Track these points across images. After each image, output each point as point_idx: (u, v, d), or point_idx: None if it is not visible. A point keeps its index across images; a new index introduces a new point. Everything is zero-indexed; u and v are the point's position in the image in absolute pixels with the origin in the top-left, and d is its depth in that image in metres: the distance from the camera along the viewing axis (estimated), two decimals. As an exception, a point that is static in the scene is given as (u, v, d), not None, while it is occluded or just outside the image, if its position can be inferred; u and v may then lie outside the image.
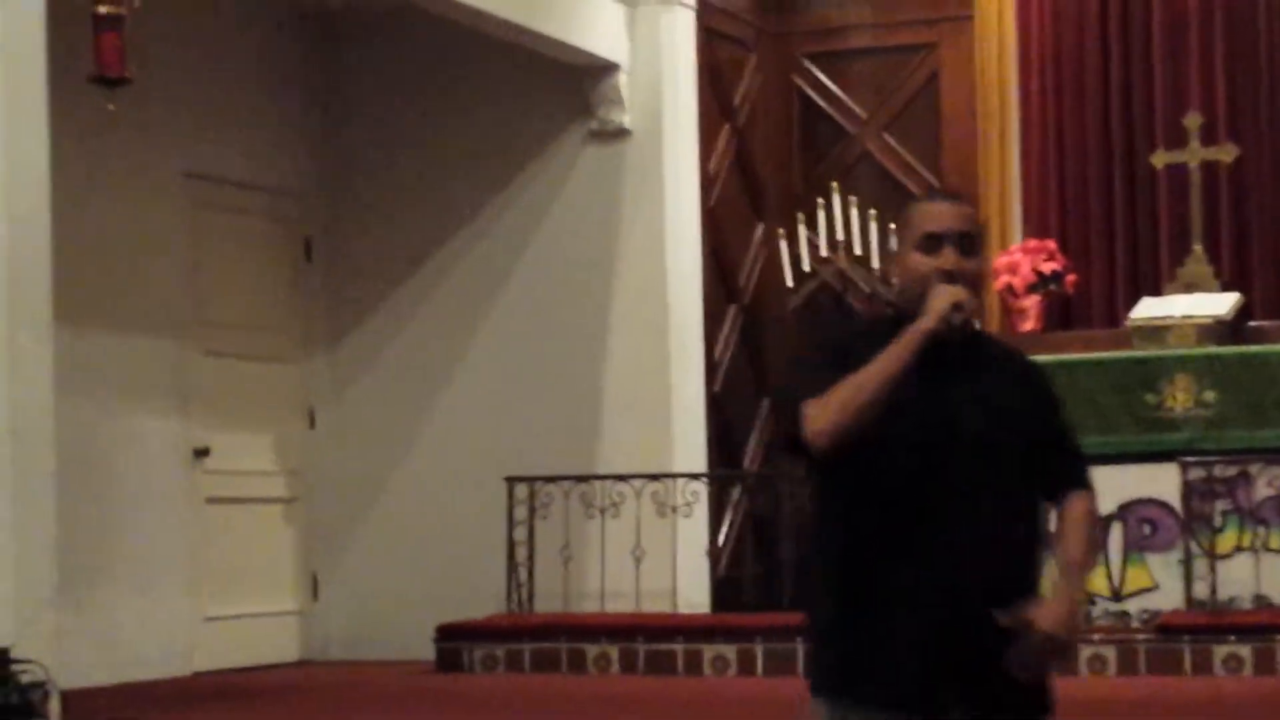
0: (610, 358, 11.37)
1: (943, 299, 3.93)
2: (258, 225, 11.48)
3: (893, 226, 11.67)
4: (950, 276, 3.96)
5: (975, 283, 4.03)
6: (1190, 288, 11.43)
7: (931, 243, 4.01)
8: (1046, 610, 3.89)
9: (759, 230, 12.41)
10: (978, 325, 4.15)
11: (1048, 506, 4.08)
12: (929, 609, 3.93)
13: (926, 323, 3.93)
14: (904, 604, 3.94)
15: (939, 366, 3.98)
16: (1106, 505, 10.30)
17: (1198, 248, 11.52)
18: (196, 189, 10.94)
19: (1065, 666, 3.91)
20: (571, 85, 11.51)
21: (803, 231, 11.95)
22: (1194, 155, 11.62)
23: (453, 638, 10.45)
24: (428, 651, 10.54)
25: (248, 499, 11.17)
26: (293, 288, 11.70)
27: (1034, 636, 3.85)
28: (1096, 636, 9.72)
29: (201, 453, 10.78)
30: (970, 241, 4.03)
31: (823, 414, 3.94)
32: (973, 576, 3.93)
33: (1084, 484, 4.11)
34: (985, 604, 3.89)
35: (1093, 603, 10.28)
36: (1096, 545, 4.12)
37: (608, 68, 11.39)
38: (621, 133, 11.49)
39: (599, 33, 11.24)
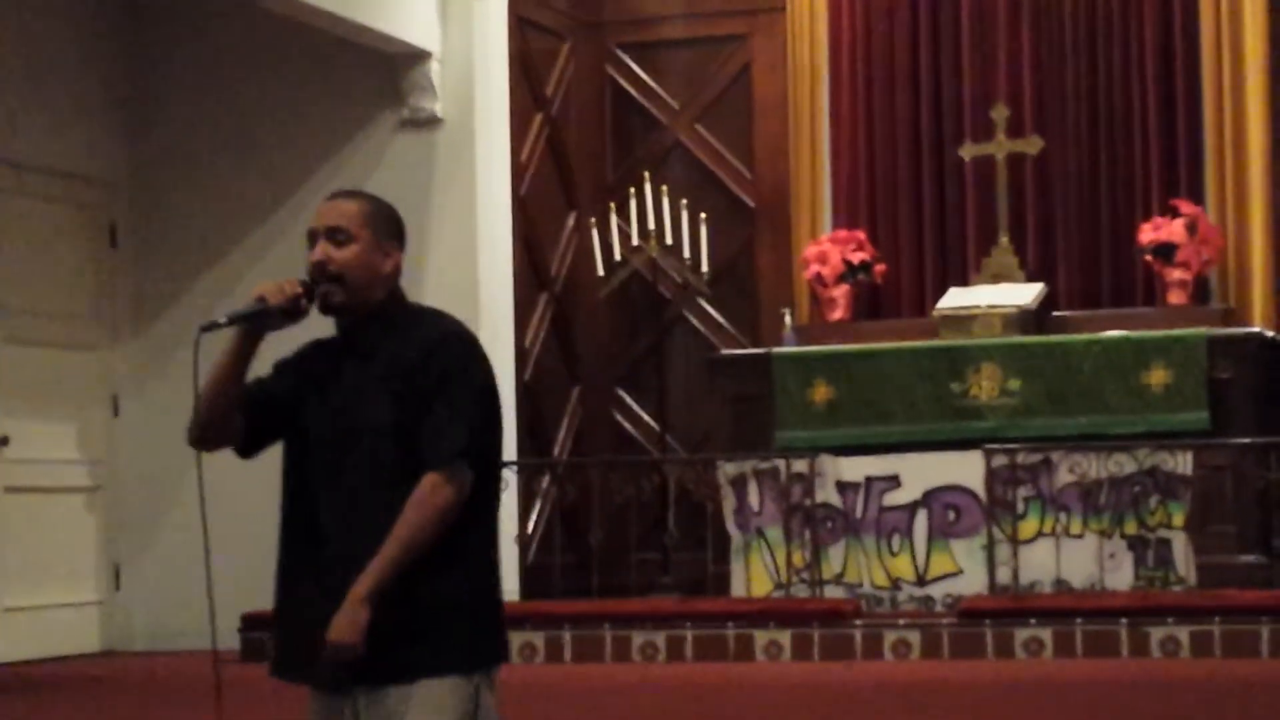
0: (420, 346, 11.28)
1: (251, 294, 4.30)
2: (62, 211, 11.29)
3: (703, 216, 11.74)
4: (321, 266, 4.25)
5: (352, 268, 4.26)
6: (997, 278, 11.57)
7: (310, 238, 4.31)
8: (336, 618, 4.11)
9: (571, 219, 12.41)
10: (394, 309, 4.33)
11: None
12: (307, 586, 4.21)
13: (227, 315, 4.30)
14: (293, 584, 4.26)
15: (336, 355, 4.30)
16: (912, 492, 10.43)
17: (1004, 239, 11.67)
18: (-4, 173, 10.75)
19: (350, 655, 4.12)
20: (383, 73, 11.44)
21: (615, 220, 11.97)
22: (1000, 147, 11.76)
23: (257, 627, 10.30)
24: (233, 641, 10.41)
25: (49, 488, 10.99)
26: (97, 275, 11.53)
27: (326, 647, 4.10)
28: (901, 621, 9.83)
29: (1, 441, 10.58)
30: (343, 234, 4.28)
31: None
32: (343, 559, 4.16)
33: (434, 463, 4.17)
34: (344, 577, 4.13)
35: (898, 588, 10.38)
36: (409, 534, 4.13)
37: (419, 55, 11.33)
38: (433, 121, 11.43)
39: (411, 20, 11.17)
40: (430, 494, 4.19)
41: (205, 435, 4.32)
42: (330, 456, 4.24)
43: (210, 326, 4.27)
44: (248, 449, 4.37)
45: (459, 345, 4.34)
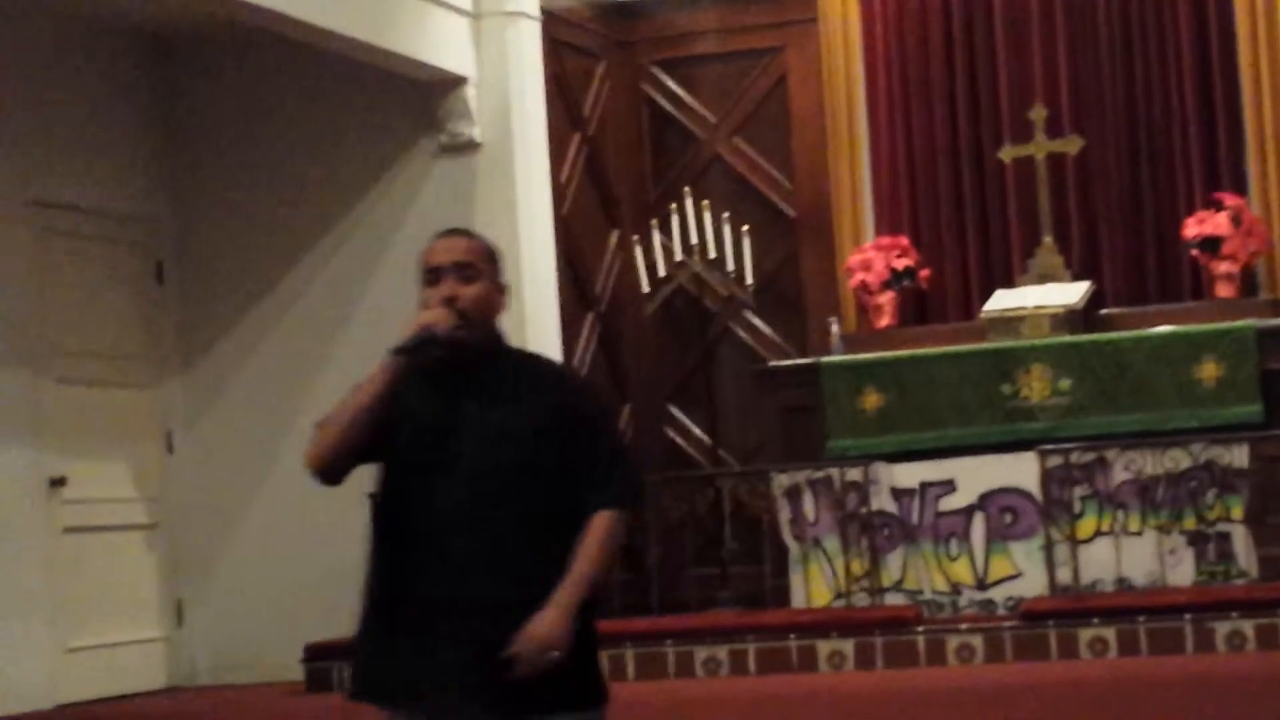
0: (469, 370, 11.30)
1: (413, 325, 4.29)
2: (107, 251, 11.34)
3: (745, 229, 11.74)
4: (450, 302, 4.29)
5: (478, 306, 4.33)
6: (1043, 279, 11.56)
7: (433, 275, 4.35)
8: (535, 619, 4.21)
9: (613, 237, 12.43)
10: (508, 347, 4.46)
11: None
12: (430, 615, 4.25)
13: (393, 347, 4.30)
14: (410, 609, 4.28)
15: (455, 388, 4.32)
16: (967, 496, 10.42)
17: (1047, 239, 11.65)
18: (42, 216, 10.77)
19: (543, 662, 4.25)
20: (419, 100, 11.46)
21: (657, 237, 11.98)
22: (1040, 148, 11.75)
23: (321, 657, 10.35)
24: (297, 673, 10.44)
25: (107, 527, 11.02)
26: (145, 312, 11.57)
27: (522, 643, 4.20)
28: (963, 626, 9.80)
29: (58, 482, 10.62)
30: (470, 270, 4.35)
31: (316, 439, 4.34)
32: (483, 586, 4.23)
33: (610, 503, 4.33)
34: (484, 615, 4.21)
35: (958, 592, 10.36)
36: (599, 560, 4.31)
37: (455, 81, 11.34)
38: (471, 146, 11.44)
39: (445, 47, 11.20)
40: (613, 532, 4.31)
41: (340, 465, 4.34)
42: (465, 493, 4.25)
43: (402, 351, 4.27)
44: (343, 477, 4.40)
45: (592, 387, 4.50)
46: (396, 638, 4.31)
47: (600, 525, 4.29)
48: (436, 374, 4.31)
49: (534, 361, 4.54)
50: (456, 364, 4.31)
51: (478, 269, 4.35)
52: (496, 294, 4.39)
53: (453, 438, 4.26)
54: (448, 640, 4.22)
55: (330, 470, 4.33)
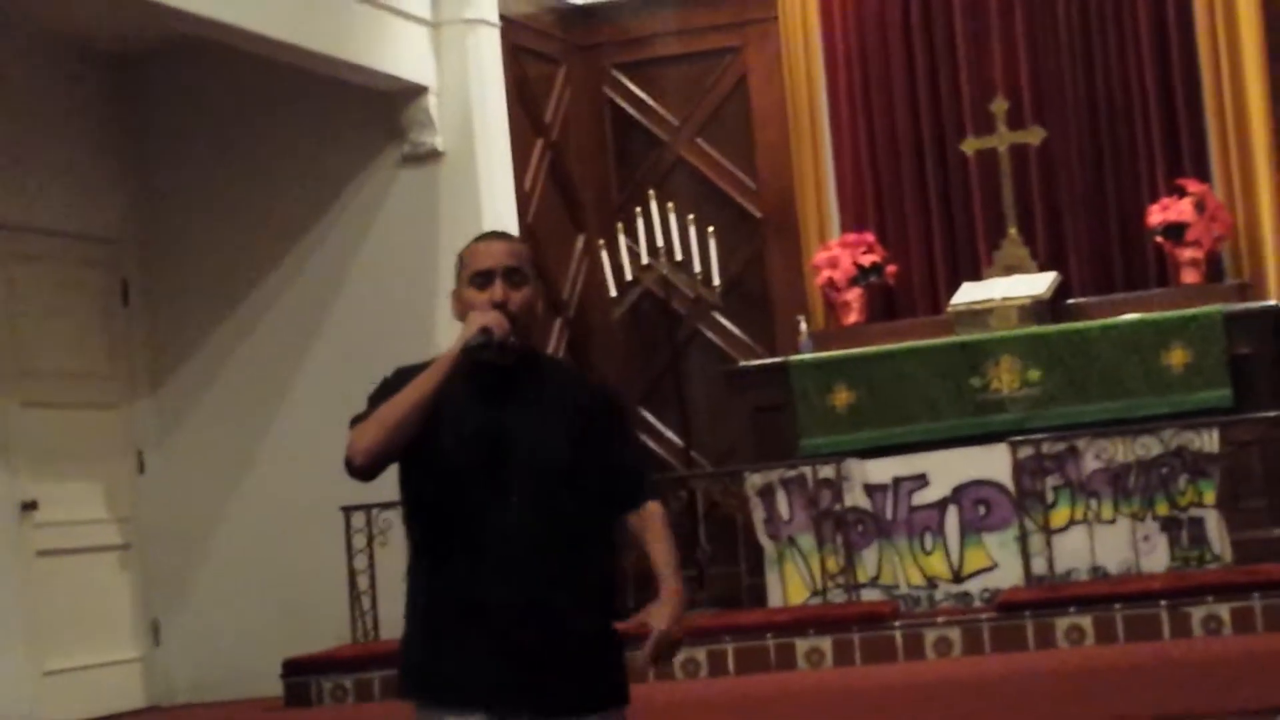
0: (438, 380, 11.27)
1: (473, 324, 4.27)
2: (71, 272, 11.29)
3: (711, 230, 11.73)
4: (500, 306, 4.29)
5: (524, 312, 4.35)
6: (1009, 270, 11.58)
7: (482, 279, 4.34)
8: (659, 611, 4.31)
9: (579, 242, 12.42)
10: (542, 352, 4.53)
11: (624, 521, 4.43)
12: (490, 618, 4.26)
13: (454, 346, 4.27)
14: (467, 614, 4.27)
15: (497, 392, 4.33)
16: (940, 490, 10.43)
17: (1012, 230, 11.68)
18: (3, 240, 10.74)
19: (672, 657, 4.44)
20: (381, 110, 11.43)
21: (623, 240, 11.98)
22: (1002, 139, 11.78)
23: (300, 672, 10.33)
24: (276, 688, 10.41)
25: (80, 549, 10.97)
26: (112, 332, 11.53)
27: (653, 636, 4.28)
28: (940, 619, 9.80)
29: (29, 506, 10.57)
30: (518, 275, 4.35)
31: (362, 434, 4.28)
32: (530, 590, 4.25)
33: (654, 497, 4.45)
34: (533, 615, 4.24)
35: (934, 586, 10.37)
36: (674, 546, 4.44)
37: (416, 90, 11.32)
38: (434, 154, 11.42)
39: (405, 56, 11.18)
40: (668, 520, 4.41)
41: (385, 461, 4.29)
42: (514, 498, 4.28)
43: (468, 350, 4.26)
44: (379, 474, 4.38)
45: (614, 389, 4.56)
46: (444, 640, 4.31)
47: (658, 514, 4.41)
48: (479, 378, 4.31)
49: (565, 366, 4.64)
50: (503, 368, 4.32)
51: (524, 274, 4.36)
52: (538, 299, 4.42)
53: (501, 442, 4.28)
54: (495, 642, 4.25)
55: (375, 466, 4.28)
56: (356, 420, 4.33)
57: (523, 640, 4.25)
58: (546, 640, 4.26)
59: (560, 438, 4.30)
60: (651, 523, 4.39)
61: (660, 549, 4.38)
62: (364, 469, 4.28)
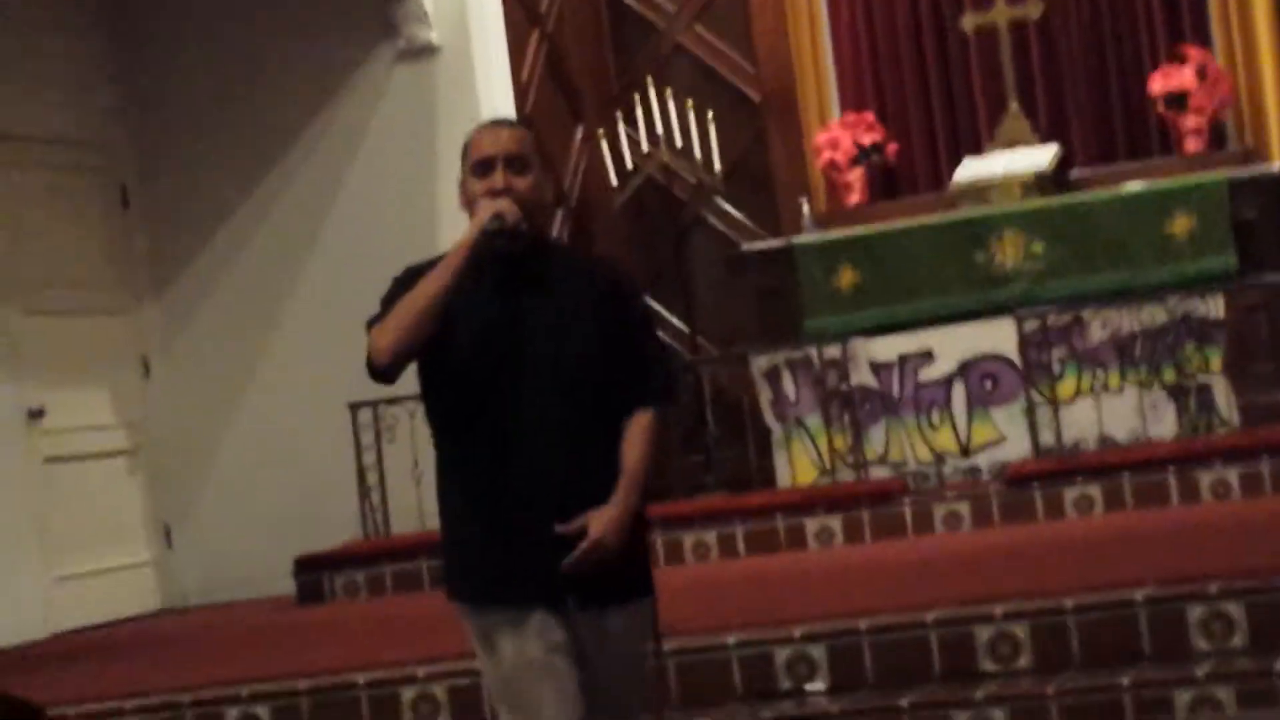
0: (441, 274, 11.25)
1: (482, 211, 4.18)
2: (69, 179, 11.27)
3: (710, 115, 11.65)
4: (501, 194, 4.19)
5: (531, 198, 4.25)
6: (1011, 144, 11.49)
7: (483, 167, 4.25)
8: (598, 515, 4.21)
9: (579, 132, 12.36)
10: (553, 240, 4.58)
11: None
12: (527, 512, 4.22)
13: (467, 235, 4.18)
14: (494, 510, 4.24)
15: (509, 283, 4.24)
16: (947, 366, 10.40)
17: (1013, 104, 11.58)
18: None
19: (608, 561, 4.27)
20: (375, 7, 11.37)
21: (623, 129, 11.91)
22: (1001, 14, 11.68)
23: (312, 569, 10.36)
24: (289, 587, 10.45)
25: (89, 455, 11.01)
26: (113, 238, 11.52)
27: (588, 541, 4.21)
28: (949, 494, 9.80)
29: (36, 414, 10.60)
30: (521, 161, 4.26)
31: (382, 334, 4.20)
32: (564, 480, 4.21)
33: (653, 401, 4.34)
34: (566, 506, 4.21)
35: (942, 461, 10.36)
36: (648, 458, 4.32)
37: (409, -15, 11.26)
38: (429, 50, 11.36)
39: (397, -49, 11.11)
40: (657, 428, 4.32)
41: (407, 359, 4.22)
42: (536, 388, 4.23)
43: (486, 237, 4.18)
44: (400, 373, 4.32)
45: (634, 280, 4.51)
46: (488, 539, 4.28)
47: (644, 423, 4.30)
48: (489, 269, 4.23)
49: (578, 254, 4.57)
50: (515, 257, 4.25)
51: (528, 160, 4.28)
52: (545, 185, 4.33)
53: (518, 333, 4.22)
54: (537, 534, 4.22)
55: (397, 365, 4.22)
56: (372, 323, 4.27)
57: (552, 529, 4.22)
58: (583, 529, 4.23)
59: (581, 326, 4.25)
60: (636, 431, 4.30)
61: (632, 455, 4.28)
62: (386, 369, 4.22)
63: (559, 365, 4.22)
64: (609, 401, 4.27)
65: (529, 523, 4.21)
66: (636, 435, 4.28)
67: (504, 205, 4.17)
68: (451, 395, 4.25)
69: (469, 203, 4.29)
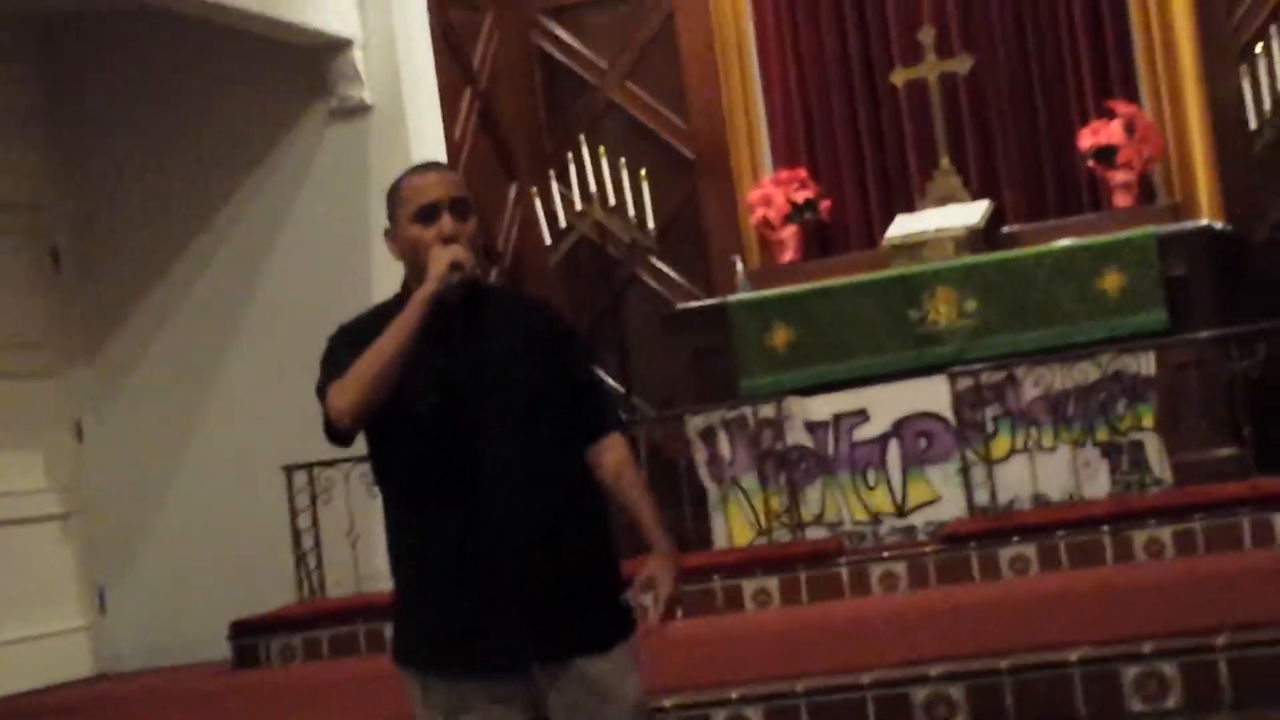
0: (375, 335, 11.24)
1: (440, 261, 4.11)
2: (1, 241, 11.20)
3: (643, 173, 11.68)
4: (450, 240, 4.13)
5: (473, 243, 4.21)
6: (942, 201, 11.56)
7: (427, 213, 4.17)
8: (663, 571, 4.23)
9: (512, 190, 12.38)
10: (486, 284, 4.37)
11: (597, 463, 4.28)
12: (496, 564, 4.12)
13: (428, 286, 4.11)
14: (455, 569, 4.12)
15: (447, 329, 4.16)
16: (881, 424, 10.43)
17: (945, 161, 11.66)
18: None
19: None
20: (307, 66, 11.37)
21: (556, 187, 11.93)
22: (931, 69, 11.75)
23: (248, 633, 10.30)
24: (225, 651, 10.39)
25: (22, 519, 10.93)
26: (45, 300, 11.46)
27: (663, 597, 4.23)
28: (886, 554, 9.80)
29: (-32, 478, 10.54)
30: (463, 206, 4.21)
31: (342, 394, 4.11)
32: (517, 533, 4.12)
33: (617, 424, 4.34)
34: (532, 560, 4.11)
35: (878, 521, 10.38)
36: (643, 480, 4.33)
37: (341, 44, 11.26)
38: (362, 109, 11.37)
39: (329, 10, 11.11)
40: (631, 453, 4.30)
41: (368, 417, 4.13)
42: (490, 433, 4.14)
43: (446, 291, 4.13)
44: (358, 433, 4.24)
45: (562, 313, 4.49)
46: (440, 599, 4.17)
47: (622, 448, 4.29)
48: (435, 314, 4.15)
49: (511, 293, 4.56)
50: (462, 303, 4.19)
51: (468, 204, 4.25)
52: (479, 229, 4.31)
53: (468, 377, 4.15)
54: (496, 588, 4.12)
55: (359, 424, 4.14)
56: (322, 387, 4.19)
57: (535, 581, 4.13)
58: (559, 575, 4.15)
59: (529, 362, 4.19)
60: (619, 459, 4.26)
61: (644, 505, 4.27)
62: (348, 431, 4.15)
63: (512, 404, 4.15)
64: (565, 437, 4.22)
65: (494, 580, 4.12)
66: (632, 476, 4.29)
67: (459, 253, 4.12)
68: (404, 448, 4.17)
69: (407, 251, 4.23)
